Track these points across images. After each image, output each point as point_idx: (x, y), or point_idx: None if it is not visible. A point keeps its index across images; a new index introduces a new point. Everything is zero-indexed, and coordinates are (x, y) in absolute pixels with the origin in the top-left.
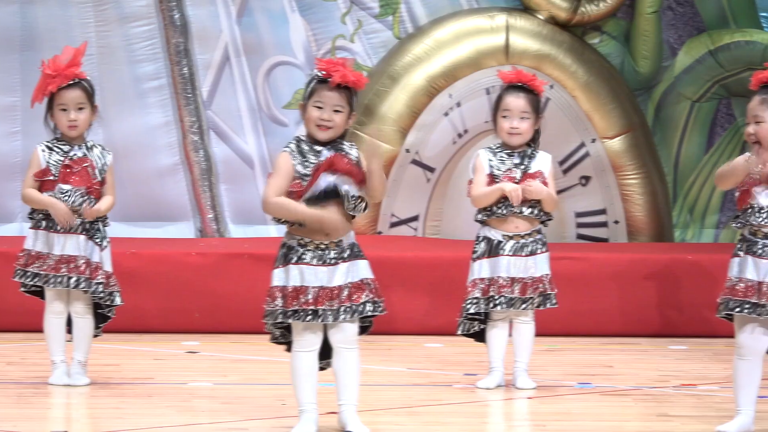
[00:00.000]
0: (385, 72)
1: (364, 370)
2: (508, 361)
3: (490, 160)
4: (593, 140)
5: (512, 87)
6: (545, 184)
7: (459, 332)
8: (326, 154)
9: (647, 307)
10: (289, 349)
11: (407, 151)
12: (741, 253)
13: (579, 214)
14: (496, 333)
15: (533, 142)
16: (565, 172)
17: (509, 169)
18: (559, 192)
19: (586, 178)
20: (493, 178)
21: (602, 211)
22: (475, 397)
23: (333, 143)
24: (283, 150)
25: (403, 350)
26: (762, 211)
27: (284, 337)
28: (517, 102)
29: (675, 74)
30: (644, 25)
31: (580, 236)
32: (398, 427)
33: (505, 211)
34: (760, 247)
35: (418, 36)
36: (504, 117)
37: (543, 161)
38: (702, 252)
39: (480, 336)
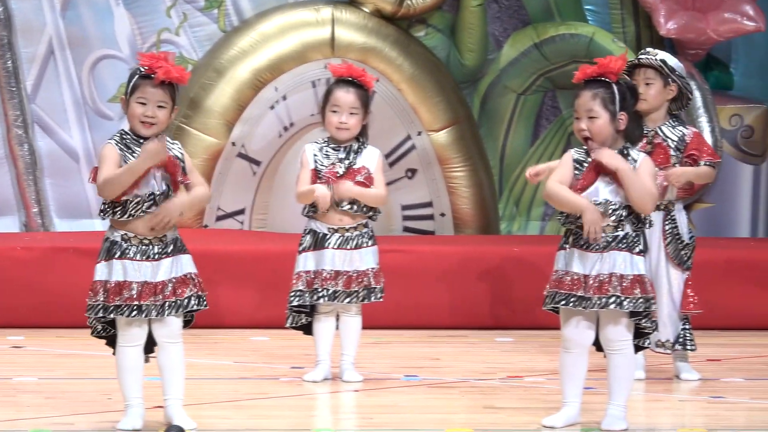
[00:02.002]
0: (211, 65)
1: (190, 363)
2: (336, 354)
3: (315, 155)
4: (419, 133)
5: (342, 81)
6: (369, 179)
7: (287, 325)
8: None
9: (474, 300)
10: (109, 344)
11: (233, 144)
12: (567, 246)
13: (405, 207)
14: (323, 326)
15: (362, 136)
16: (392, 165)
17: (333, 164)
18: (386, 185)
19: (413, 171)
20: (316, 174)
21: (428, 204)
22: (302, 390)
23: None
24: (107, 142)
25: (230, 344)
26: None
27: (105, 332)
28: (347, 97)
29: (500, 67)
30: (469, 18)
31: (407, 229)
32: (225, 420)
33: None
34: (586, 240)
35: (243, 29)
36: (333, 111)
37: (370, 156)
38: (528, 244)
39: (308, 329)
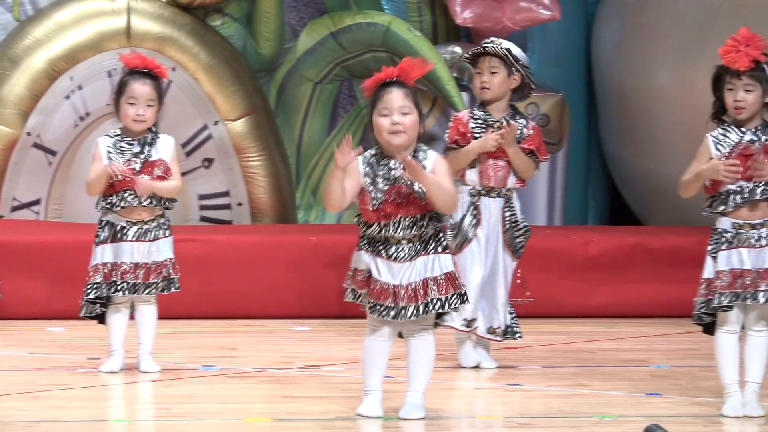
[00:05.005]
0: (5, 55)
1: None
2: (131, 344)
3: (109, 151)
4: (216, 122)
5: (137, 73)
6: (168, 172)
7: (81, 315)
8: None
9: (271, 289)
10: None
11: (28, 134)
12: (368, 250)
13: (202, 197)
14: (117, 316)
15: (154, 126)
16: (188, 154)
17: (128, 160)
18: (182, 174)
19: (209, 161)
20: None
21: (225, 194)
22: (98, 381)
23: None
24: None
25: (25, 335)
26: None
27: None
28: (143, 89)
29: (297, 56)
30: (266, 7)
31: (204, 218)
32: (21, 412)
33: (124, 204)
34: (394, 250)
35: (38, 18)
36: (130, 104)
37: (165, 147)
38: (325, 233)
39: (103, 318)
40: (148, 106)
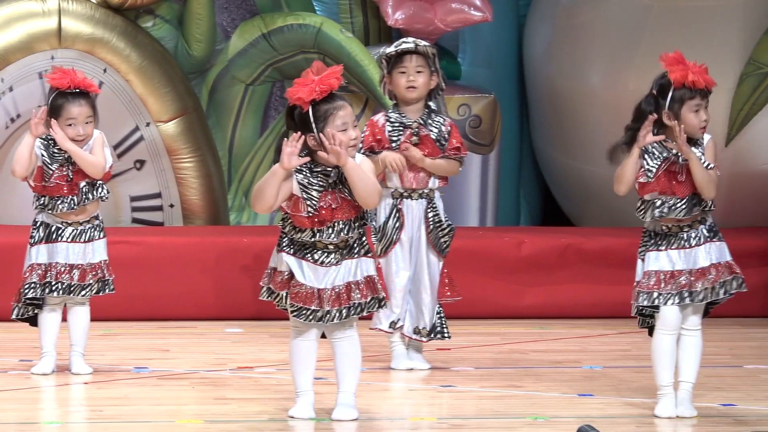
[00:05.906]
0: None
1: None
2: (64, 346)
3: (43, 155)
4: (147, 124)
5: (69, 94)
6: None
7: (14, 316)
8: None
9: (203, 291)
10: None
11: None
12: (290, 251)
13: (134, 198)
14: (49, 317)
15: None
16: (120, 156)
17: (61, 166)
18: (114, 176)
19: (141, 162)
20: (42, 170)
21: (157, 195)
22: (30, 383)
23: None
24: None
25: None
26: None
27: None
28: (80, 110)
29: (229, 57)
30: (197, 9)
31: (136, 220)
32: None
33: (57, 211)
34: (320, 255)
35: None
36: (69, 126)
37: (91, 141)
38: (257, 235)
39: (34, 320)
40: (87, 123)
